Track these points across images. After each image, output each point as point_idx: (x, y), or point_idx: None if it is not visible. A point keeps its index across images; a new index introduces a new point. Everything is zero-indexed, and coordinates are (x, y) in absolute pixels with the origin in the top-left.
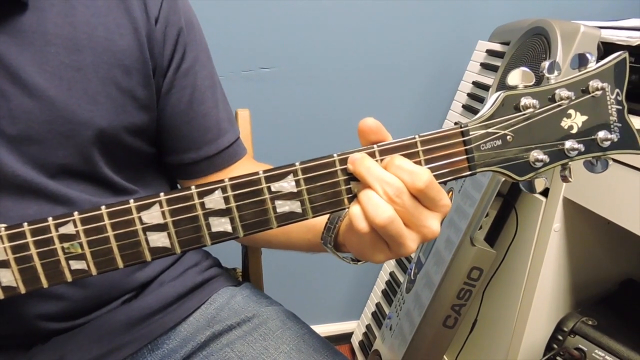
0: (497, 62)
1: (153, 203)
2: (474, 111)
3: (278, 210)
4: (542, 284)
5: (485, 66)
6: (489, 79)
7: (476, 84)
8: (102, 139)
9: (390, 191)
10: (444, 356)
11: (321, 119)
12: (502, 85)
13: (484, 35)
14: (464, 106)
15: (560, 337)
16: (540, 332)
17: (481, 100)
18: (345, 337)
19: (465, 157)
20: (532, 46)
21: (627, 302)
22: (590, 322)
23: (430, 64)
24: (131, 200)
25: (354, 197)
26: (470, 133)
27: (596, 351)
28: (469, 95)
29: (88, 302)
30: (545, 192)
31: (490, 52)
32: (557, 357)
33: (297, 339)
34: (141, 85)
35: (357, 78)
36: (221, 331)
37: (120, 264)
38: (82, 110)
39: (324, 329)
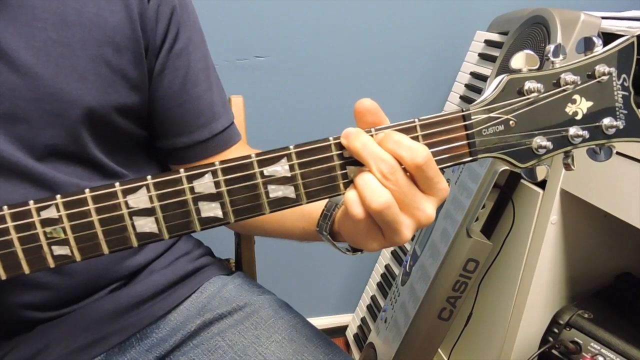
0: (495, 52)
1: (140, 187)
2: (472, 102)
3: (271, 195)
4: (538, 276)
5: (483, 57)
6: (487, 70)
7: (474, 75)
8: (91, 118)
9: (384, 168)
10: (439, 349)
11: (317, 109)
12: (502, 73)
13: (482, 26)
14: (461, 97)
15: (556, 330)
16: (535, 324)
17: (479, 91)
18: (340, 330)
19: (466, 142)
20: (531, 35)
21: (623, 295)
22: (586, 315)
23: (427, 55)
24: (117, 184)
25: (350, 183)
26: (472, 117)
27: (592, 344)
28: (466, 86)
29: (75, 291)
30: (542, 184)
31: (489, 43)
32: (553, 350)
33: (289, 328)
34: (132, 65)
35: (354, 68)
36: (212, 320)
37: (106, 250)
38: (70, 88)
39: (318, 322)
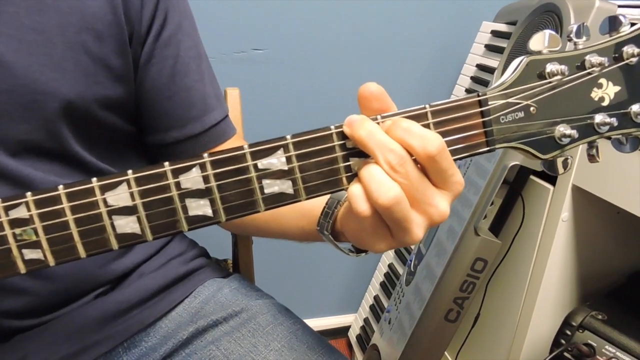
0: (502, 43)
1: (120, 182)
2: None
3: (266, 190)
4: (548, 276)
5: (490, 48)
6: (494, 62)
7: (480, 67)
8: (70, 112)
9: (392, 159)
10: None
11: (318, 103)
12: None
13: (488, 16)
14: (467, 90)
15: (569, 332)
16: (545, 326)
17: (486, 83)
18: (342, 331)
19: (482, 130)
20: (541, 24)
21: (637, 295)
22: (599, 317)
23: (431, 47)
24: (94, 179)
25: (353, 176)
26: (489, 103)
27: (606, 347)
28: (472, 78)
29: (57, 297)
30: (553, 180)
31: (495, 33)
32: (565, 353)
33: (289, 335)
34: (115, 53)
35: (355, 61)
36: (206, 327)
37: (82, 253)
38: (46, 78)
39: (319, 323)
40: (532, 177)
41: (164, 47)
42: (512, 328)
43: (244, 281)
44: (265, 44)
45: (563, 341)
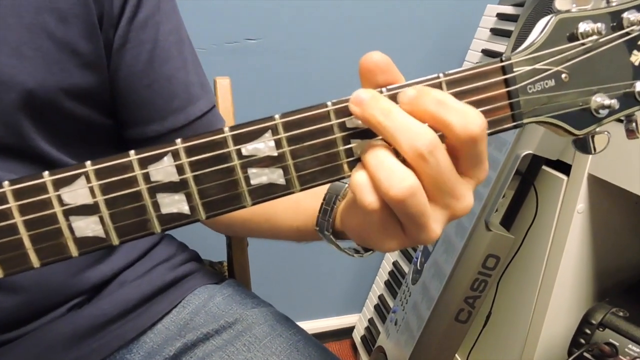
0: (509, 26)
1: (77, 176)
2: None
3: (252, 181)
4: (563, 271)
5: (495, 32)
6: (500, 46)
7: (486, 52)
8: (32, 103)
9: (421, 145)
10: None
11: (315, 94)
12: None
13: None
14: None
15: (588, 331)
16: (560, 325)
17: None
18: (346, 332)
19: (507, 102)
20: (552, 4)
21: None
22: (621, 314)
23: (434, 33)
24: (46, 173)
25: (356, 162)
26: (514, 70)
27: (629, 346)
28: None
29: (23, 311)
30: (567, 169)
31: (501, 16)
32: (585, 354)
33: (289, 348)
34: (83, 37)
35: (353, 49)
36: (196, 341)
37: (36, 262)
38: (1, 65)
39: (322, 324)
40: (544, 167)
41: (140, 30)
42: (525, 327)
43: (238, 287)
44: (258, 34)
45: (583, 341)
